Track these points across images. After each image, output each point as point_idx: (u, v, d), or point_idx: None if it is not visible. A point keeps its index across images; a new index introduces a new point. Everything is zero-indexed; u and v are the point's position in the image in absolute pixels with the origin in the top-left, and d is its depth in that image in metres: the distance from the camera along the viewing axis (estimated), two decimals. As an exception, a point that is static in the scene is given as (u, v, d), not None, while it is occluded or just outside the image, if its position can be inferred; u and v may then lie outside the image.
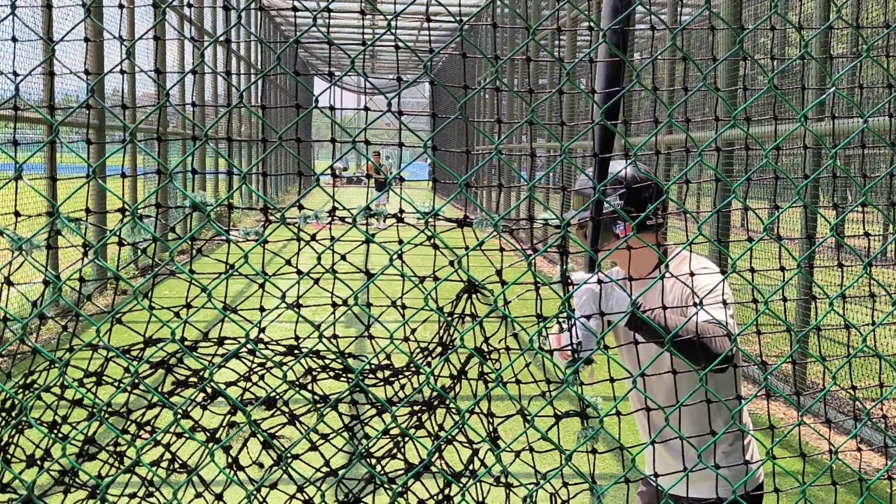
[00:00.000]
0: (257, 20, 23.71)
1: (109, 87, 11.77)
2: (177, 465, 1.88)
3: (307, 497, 1.88)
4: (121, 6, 1.76)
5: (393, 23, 1.51)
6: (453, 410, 1.78)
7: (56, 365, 1.49)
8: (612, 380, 1.82)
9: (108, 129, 10.66)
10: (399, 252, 1.53)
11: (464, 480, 1.86)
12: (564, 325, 1.99)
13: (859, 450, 2.18)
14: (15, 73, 1.67)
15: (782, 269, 2.01)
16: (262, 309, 1.80)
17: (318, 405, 1.88)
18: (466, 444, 1.87)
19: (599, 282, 1.84)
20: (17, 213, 1.70)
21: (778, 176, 1.85)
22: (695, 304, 1.64)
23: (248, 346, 1.74)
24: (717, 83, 7.27)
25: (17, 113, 1.65)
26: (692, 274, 2.06)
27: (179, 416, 1.47)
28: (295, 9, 1.62)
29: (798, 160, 10.02)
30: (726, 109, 6.86)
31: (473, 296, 1.85)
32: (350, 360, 1.94)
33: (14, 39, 1.75)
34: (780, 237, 1.88)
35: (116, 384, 1.80)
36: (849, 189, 9.56)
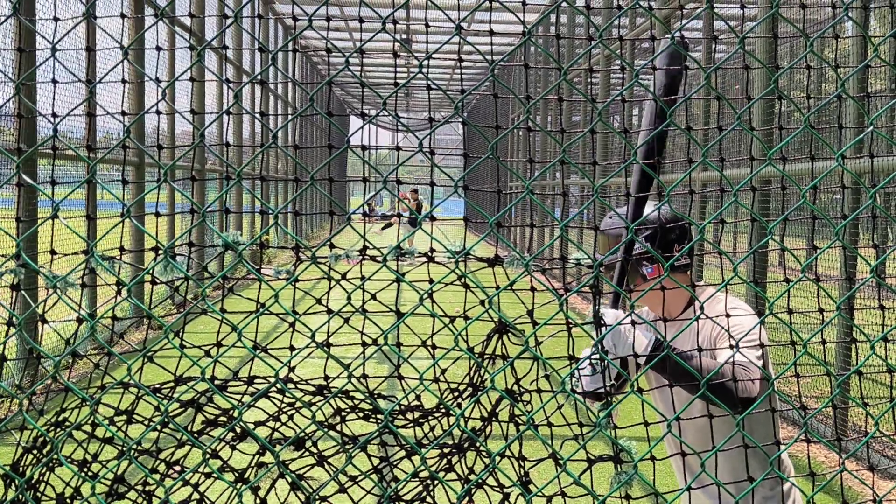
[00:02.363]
0: (293, 59, 24.10)
1: (150, 124, 12.01)
2: (205, 506, 1.87)
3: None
4: (158, 48, 1.80)
5: (425, 63, 1.52)
6: (484, 453, 1.75)
7: (87, 403, 1.50)
8: (646, 423, 1.78)
9: (148, 167, 10.86)
10: (429, 291, 1.52)
11: (494, 525, 1.82)
12: (598, 367, 1.96)
13: (904, 498, 2.11)
14: (54, 115, 1.70)
15: (821, 310, 1.96)
16: (291, 348, 1.80)
17: (347, 446, 1.86)
18: (497, 488, 1.84)
19: (633, 323, 1.82)
20: (52, 252, 1.72)
21: (816, 216, 1.82)
22: (730, 347, 1.60)
23: (278, 385, 1.73)
24: (751, 120, 7.22)
25: (57, 152, 1.68)
26: (728, 315, 2.02)
27: (208, 455, 1.46)
28: (328, 51, 1.64)
29: (836, 196, 9.87)
30: (761, 148, 6.80)
31: (504, 336, 1.83)
32: (379, 401, 1.93)
33: (54, 81, 1.79)
34: (818, 278, 1.84)
35: (146, 423, 1.80)
36: (890, 227, 9.40)
